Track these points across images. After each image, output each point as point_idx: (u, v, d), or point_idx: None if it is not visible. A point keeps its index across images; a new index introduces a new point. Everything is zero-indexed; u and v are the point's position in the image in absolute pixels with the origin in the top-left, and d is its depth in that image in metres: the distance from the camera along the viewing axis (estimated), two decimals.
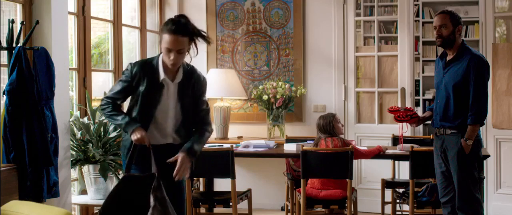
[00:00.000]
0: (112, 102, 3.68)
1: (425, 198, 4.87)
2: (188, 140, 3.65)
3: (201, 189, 6.03)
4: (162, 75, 3.60)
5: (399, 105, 5.95)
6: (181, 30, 3.48)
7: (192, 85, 3.67)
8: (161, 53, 3.63)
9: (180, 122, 3.67)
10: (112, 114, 3.65)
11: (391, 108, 4.81)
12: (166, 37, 3.49)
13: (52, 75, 4.28)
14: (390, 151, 5.16)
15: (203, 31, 3.62)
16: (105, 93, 4.97)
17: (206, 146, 5.29)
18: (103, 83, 5.92)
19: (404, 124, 4.92)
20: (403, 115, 4.67)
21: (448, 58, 4.49)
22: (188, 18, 3.58)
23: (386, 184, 5.60)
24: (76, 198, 4.95)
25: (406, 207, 5.29)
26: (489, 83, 4.59)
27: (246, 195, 5.22)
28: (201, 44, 3.65)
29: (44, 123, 4.12)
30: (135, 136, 3.53)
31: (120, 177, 4.83)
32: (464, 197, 4.37)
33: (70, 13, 4.94)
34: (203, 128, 3.72)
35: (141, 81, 3.61)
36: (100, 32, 6.16)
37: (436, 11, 9.03)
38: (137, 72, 3.61)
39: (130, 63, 3.66)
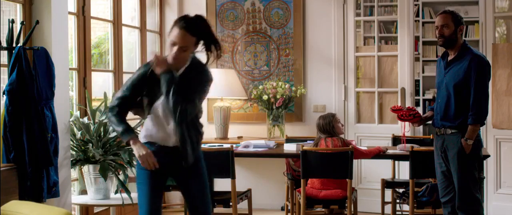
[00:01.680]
0: None
1: (425, 198, 4.87)
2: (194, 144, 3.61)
3: None
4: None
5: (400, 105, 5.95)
6: (191, 28, 3.45)
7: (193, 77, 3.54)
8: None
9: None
10: None
11: (394, 107, 4.82)
12: (175, 31, 3.47)
13: (52, 75, 4.27)
14: (390, 151, 5.16)
15: (217, 42, 3.57)
16: (105, 93, 5.01)
17: (206, 146, 5.29)
18: (103, 83, 5.91)
19: (407, 123, 4.92)
20: (406, 114, 4.68)
21: (450, 58, 4.49)
22: (207, 22, 3.54)
23: (386, 184, 5.60)
24: (76, 198, 4.94)
25: (406, 207, 5.28)
26: (489, 83, 4.58)
27: (246, 195, 5.22)
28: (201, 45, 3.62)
29: (44, 123, 4.11)
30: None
31: (120, 177, 4.82)
32: (464, 197, 4.37)
33: (70, 13, 4.93)
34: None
35: None
36: (100, 32, 6.16)
37: (436, 11, 9.03)
38: None
39: None
